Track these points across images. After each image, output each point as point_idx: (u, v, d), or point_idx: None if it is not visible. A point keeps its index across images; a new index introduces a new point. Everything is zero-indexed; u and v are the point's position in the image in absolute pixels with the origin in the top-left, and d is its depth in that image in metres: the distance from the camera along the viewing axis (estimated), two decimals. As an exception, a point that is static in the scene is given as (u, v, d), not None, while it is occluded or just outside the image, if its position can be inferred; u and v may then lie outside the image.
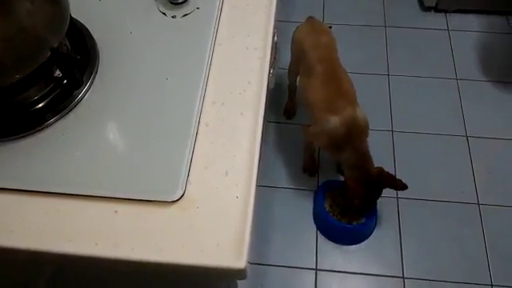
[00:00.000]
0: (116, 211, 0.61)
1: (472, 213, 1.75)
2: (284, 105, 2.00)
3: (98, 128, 0.67)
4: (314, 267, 1.65)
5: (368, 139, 1.52)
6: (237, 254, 0.57)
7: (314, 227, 1.73)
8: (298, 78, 1.72)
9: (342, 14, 2.31)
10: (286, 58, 1.80)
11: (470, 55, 2.18)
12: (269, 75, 0.80)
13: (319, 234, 1.72)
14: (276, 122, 2.00)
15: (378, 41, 2.24)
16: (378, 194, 1.52)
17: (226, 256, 0.57)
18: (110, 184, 0.62)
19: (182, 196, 0.61)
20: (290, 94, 1.95)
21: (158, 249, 0.57)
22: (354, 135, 1.45)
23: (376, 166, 1.49)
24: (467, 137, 1.93)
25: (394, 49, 2.21)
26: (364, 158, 1.47)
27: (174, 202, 0.61)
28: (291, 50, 1.71)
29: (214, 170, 0.64)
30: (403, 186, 1.47)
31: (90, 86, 0.70)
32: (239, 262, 0.56)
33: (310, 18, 1.68)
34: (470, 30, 2.26)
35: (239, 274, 0.57)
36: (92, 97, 0.70)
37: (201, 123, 0.68)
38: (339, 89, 1.49)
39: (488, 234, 1.69)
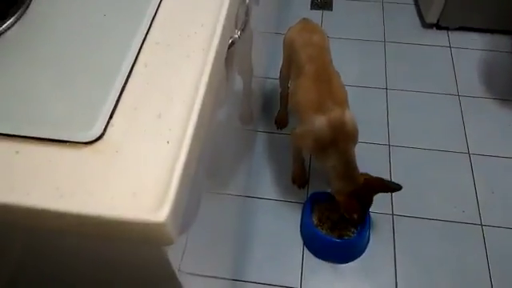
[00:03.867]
0: (17, 152, 0.49)
1: (474, 234, 1.60)
2: (276, 114, 1.90)
3: (15, 61, 0.57)
4: (299, 286, 1.50)
5: (355, 149, 1.40)
6: (156, 204, 0.45)
7: (300, 242, 1.59)
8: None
9: (342, 28, 2.24)
10: (278, 68, 1.72)
11: (472, 72, 2.08)
12: (233, 29, 0.70)
13: (306, 250, 1.57)
14: (266, 132, 1.89)
15: (377, 55, 2.16)
16: (370, 203, 1.38)
17: (141, 206, 0.45)
18: (14, 121, 0.51)
19: (99, 138, 0.50)
20: (281, 102, 1.85)
21: (59, 195, 0.46)
22: (340, 138, 1.33)
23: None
24: (469, 154, 1.81)
25: (392, 63, 2.12)
26: (351, 166, 1.34)
27: (87, 143, 0.49)
28: (283, 52, 1.62)
29: (145, 111, 0.53)
30: (396, 187, 1.36)
31: (17, 19, 0.61)
32: (157, 213, 0.44)
33: (304, 19, 1.60)
34: (472, 47, 2.18)
35: (158, 230, 0.44)
36: (18, 30, 0.60)
37: (138, 63, 0.57)
38: (329, 89, 1.38)
39: (492, 258, 1.54)
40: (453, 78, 2.07)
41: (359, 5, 2.40)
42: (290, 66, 1.57)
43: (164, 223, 0.44)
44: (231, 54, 0.75)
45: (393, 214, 1.65)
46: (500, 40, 2.19)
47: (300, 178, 1.71)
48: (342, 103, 1.37)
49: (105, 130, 0.50)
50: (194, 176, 0.53)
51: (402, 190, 1.69)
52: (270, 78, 1.98)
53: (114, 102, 0.52)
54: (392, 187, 1.36)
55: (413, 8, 2.37)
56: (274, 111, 1.91)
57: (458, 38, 2.21)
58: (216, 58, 0.59)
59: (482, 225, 1.62)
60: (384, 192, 1.38)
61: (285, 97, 1.82)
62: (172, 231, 0.45)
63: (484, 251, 1.55)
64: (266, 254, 1.56)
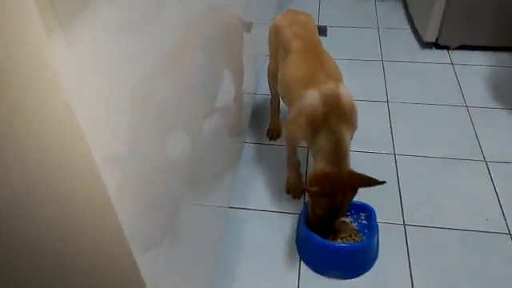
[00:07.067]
0: None
1: (502, 244, 1.35)
2: (267, 127, 1.74)
3: None
4: (295, 305, 1.23)
5: (353, 133, 1.21)
6: None
7: (296, 256, 1.34)
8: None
9: (337, 50, 2.14)
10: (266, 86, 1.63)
11: (478, 85, 1.96)
12: None
13: (303, 265, 1.32)
14: (258, 143, 1.72)
15: (376, 73, 2.06)
16: (346, 200, 1.14)
17: None
18: None
19: None
20: (272, 110, 1.71)
21: None
22: (334, 115, 1.14)
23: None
24: (486, 161, 1.61)
25: (392, 79, 2.01)
26: (341, 149, 1.13)
27: None
28: (269, 44, 1.51)
29: None
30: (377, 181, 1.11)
31: None
32: None
33: (289, 9, 1.51)
34: (476, 64, 2.07)
35: None
36: None
37: None
38: (319, 63, 1.24)
39: (528, 271, 1.27)
40: (458, 90, 1.93)
41: (354, 31, 2.35)
42: (277, 57, 1.45)
43: None
44: None
45: (404, 224, 1.41)
46: (507, 57, 2.09)
47: (295, 187, 1.50)
48: (336, 77, 1.22)
49: None
50: None
51: (413, 198, 1.49)
52: (259, 94, 1.87)
53: None
54: (377, 181, 1.12)
55: (409, 31, 2.32)
56: (263, 124, 1.76)
57: (459, 55, 2.12)
58: None
59: (510, 233, 1.37)
60: (365, 186, 1.14)
61: (276, 104, 1.68)
62: None
63: (516, 262, 1.30)
64: (255, 270, 1.30)
